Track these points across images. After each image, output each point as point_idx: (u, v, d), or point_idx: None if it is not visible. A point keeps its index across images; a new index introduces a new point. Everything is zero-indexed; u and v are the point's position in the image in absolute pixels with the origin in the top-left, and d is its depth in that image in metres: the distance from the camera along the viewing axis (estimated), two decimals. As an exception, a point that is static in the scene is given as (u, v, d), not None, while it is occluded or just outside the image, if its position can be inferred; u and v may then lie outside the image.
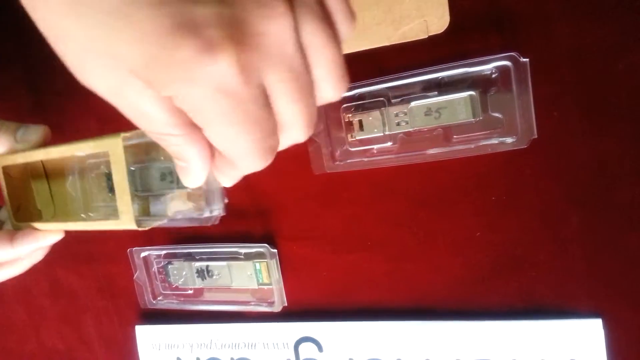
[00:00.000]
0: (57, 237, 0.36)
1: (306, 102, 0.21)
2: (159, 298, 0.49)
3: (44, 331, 0.61)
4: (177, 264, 0.47)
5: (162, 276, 0.48)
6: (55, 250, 0.54)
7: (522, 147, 0.34)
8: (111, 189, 0.35)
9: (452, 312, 0.40)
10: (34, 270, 0.58)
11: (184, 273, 0.47)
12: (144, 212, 0.34)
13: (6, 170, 0.36)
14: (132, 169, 0.34)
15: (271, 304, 0.44)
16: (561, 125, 0.35)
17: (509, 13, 0.35)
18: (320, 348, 0.44)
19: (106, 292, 0.55)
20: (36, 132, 0.34)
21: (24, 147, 0.34)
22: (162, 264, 0.48)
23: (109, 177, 0.35)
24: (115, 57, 0.19)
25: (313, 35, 0.21)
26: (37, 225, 0.36)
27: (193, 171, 0.23)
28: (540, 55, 0.34)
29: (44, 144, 0.35)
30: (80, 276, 0.56)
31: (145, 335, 0.51)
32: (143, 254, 0.48)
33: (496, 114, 0.35)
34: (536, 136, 0.34)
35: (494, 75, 0.35)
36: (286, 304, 0.44)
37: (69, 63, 0.20)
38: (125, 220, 0.30)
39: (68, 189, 0.38)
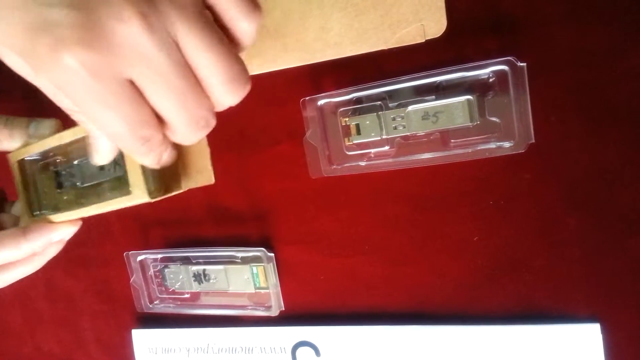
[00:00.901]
0: (72, 229, 0.36)
1: (182, 101, 0.23)
2: (155, 302, 0.48)
3: (40, 335, 0.60)
4: (173, 267, 0.47)
5: (159, 280, 0.48)
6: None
7: (520, 151, 0.34)
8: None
9: (450, 317, 0.40)
10: (31, 274, 0.58)
11: (181, 277, 0.46)
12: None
13: (20, 164, 0.37)
14: (75, 162, 0.36)
15: (268, 308, 0.44)
16: (559, 130, 0.35)
17: (507, 17, 0.35)
18: (317, 352, 0.44)
19: (103, 296, 0.55)
20: (49, 126, 0.35)
21: (36, 142, 0.35)
22: (159, 267, 0.47)
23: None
24: (2, 44, 0.23)
25: (188, 37, 0.22)
26: (51, 217, 0.36)
27: (97, 148, 0.27)
28: (538, 58, 0.34)
29: None
30: (77, 279, 0.56)
31: (142, 339, 0.51)
32: (139, 258, 0.48)
33: (493, 119, 0.35)
34: (533, 141, 0.33)
35: (491, 80, 0.35)
36: (283, 308, 0.43)
37: None
38: (138, 194, 0.31)
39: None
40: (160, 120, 0.25)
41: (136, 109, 0.23)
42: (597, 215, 0.35)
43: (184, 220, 0.48)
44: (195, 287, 0.46)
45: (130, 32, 0.21)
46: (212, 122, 0.26)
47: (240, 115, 0.43)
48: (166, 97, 0.23)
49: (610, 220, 0.35)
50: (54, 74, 0.22)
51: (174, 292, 0.48)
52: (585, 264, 0.36)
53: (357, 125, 0.38)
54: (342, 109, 0.38)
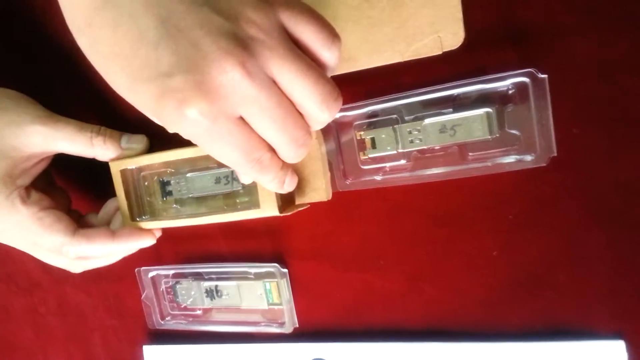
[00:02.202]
0: (151, 241, 0.43)
1: (282, 126, 0.28)
2: (167, 318, 0.48)
3: (51, 350, 0.60)
4: (185, 283, 0.46)
5: (170, 296, 0.47)
6: (63, 269, 0.53)
7: (541, 165, 0.33)
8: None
9: (468, 334, 0.39)
10: (42, 289, 0.58)
11: (193, 293, 0.46)
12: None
13: (122, 173, 0.42)
14: (188, 175, 0.42)
15: (282, 324, 0.43)
16: (581, 143, 0.34)
17: (525, 28, 0.34)
18: (332, 370, 0.43)
19: (114, 312, 0.54)
20: (141, 140, 0.42)
21: (129, 154, 0.41)
22: (170, 283, 0.47)
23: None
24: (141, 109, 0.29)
25: (281, 72, 0.27)
26: (153, 223, 0.42)
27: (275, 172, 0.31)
28: (557, 70, 0.33)
29: (146, 151, 0.42)
30: (88, 295, 0.55)
31: (153, 355, 0.51)
32: (151, 274, 0.47)
33: (513, 131, 0.34)
34: (555, 154, 0.33)
35: (510, 92, 0.34)
36: (297, 325, 0.43)
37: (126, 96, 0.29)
38: (267, 208, 0.37)
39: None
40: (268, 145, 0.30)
41: (247, 138, 0.28)
42: (621, 231, 0.34)
43: (195, 236, 0.47)
44: (207, 303, 0.46)
45: (234, 80, 0.26)
46: (309, 140, 0.30)
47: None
48: (269, 125, 0.28)
49: (636, 235, 0.34)
50: (181, 127, 0.27)
51: (185, 309, 0.47)
52: (610, 280, 0.35)
53: (373, 139, 0.37)
54: (357, 123, 0.37)
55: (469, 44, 0.35)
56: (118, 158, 0.42)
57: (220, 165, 0.41)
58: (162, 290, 0.47)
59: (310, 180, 0.40)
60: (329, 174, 0.39)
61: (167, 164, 0.43)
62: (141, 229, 0.43)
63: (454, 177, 0.36)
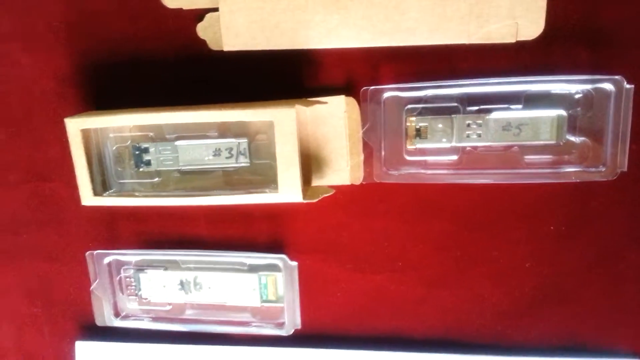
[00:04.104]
0: None
1: None
2: (122, 314, 0.39)
3: None
4: (152, 273, 0.38)
5: (131, 288, 0.38)
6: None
7: (609, 179, 0.31)
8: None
9: (486, 346, 0.37)
10: None
11: (162, 285, 0.38)
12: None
13: (84, 134, 0.33)
14: (177, 143, 0.34)
15: (280, 325, 0.37)
16: (638, 160, 0.32)
17: (607, 31, 0.31)
18: (325, 379, 0.38)
19: (36, 297, 0.43)
20: None
21: None
22: (132, 272, 0.38)
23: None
24: None
25: None
26: (140, 199, 0.34)
27: None
28: (633, 79, 0.31)
29: None
30: (2, 274, 0.43)
31: (88, 354, 0.41)
32: (107, 259, 0.38)
33: (577, 140, 0.32)
34: (626, 169, 0.31)
35: (580, 96, 0.31)
36: (299, 326, 0.37)
37: None
38: (289, 192, 0.31)
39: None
40: None
41: None
42: (657, 252, 0.34)
43: (169, 214, 0.39)
44: (181, 298, 0.38)
45: None
46: None
47: (270, 91, 0.35)
48: None
49: (673, 258, 0.34)
50: None
51: (149, 303, 0.39)
52: (636, 301, 0.35)
53: (425, 128, 0.32)
54: (409, 107, 0.32)
55: (544, 37, 0.31)
56: (82, 114, 0.33)
57: (223, 133, 0.34)
58: (120, 279, 0.38)
59: (333, 159, 0.34)
60: (361, 156, 0.34)
61: (146, 127, 0.34)
62: None
63: (509, 182, 0.33)
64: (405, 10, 0.32)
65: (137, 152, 0.35)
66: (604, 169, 0.31)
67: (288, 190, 0.31)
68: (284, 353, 0.38)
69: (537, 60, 0.32)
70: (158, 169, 0.35)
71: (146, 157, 0.35)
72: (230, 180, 0.35)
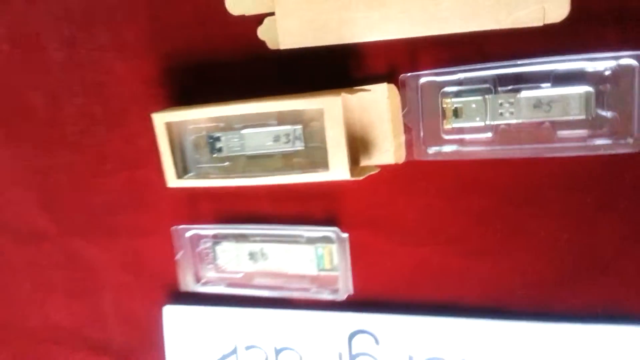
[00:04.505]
0: None
1: None
2: (202, 281, 0.45)
3: (49, 305, 0.56)
4: (226, 245, 0.44)
5: (209, 258, 0.44)
6: (77, 221, 0.49)
7: (635, 150, 0.33)
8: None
9: (526, 314, 0.39)
10: (45, 239, 0.54)
11: (235, 255, 0.43)
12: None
13: (168, 126, 0.39)
14: (243, 132, 0.40)
15: (335, 291, 0.41)
16: (673, 131, 0.34)
17: (633, 10, 0.33)
18: (377, 341, 0.42)
19: (130, 269, 0.51)
20: None
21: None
22: (210, 244, 0.44)
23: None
24: None
25: None
26: (215, 181, 0.40)
27: None
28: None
29: None
30: (101, 249, 0.51)
31: (175, 316, 0.48)
32: (189, 234, 0.44)
33: (609, 114, 0.33)
34: (654, 140, 0.32)
35: (609, 73, 0.33)
36: (352, 292, 0.41)
37: None
38: (338, 170, 0.35)
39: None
40: None
41: None
42: (698, 221, 0.35)
43: (237, 194, 0.44)
44: (250, 267, 0.43)
45: None
46: None
47: (322, 82, 0.40)
48: None
49: None
50: None
51: (224, 271, 0.45)
52: (678, 269, 0.36)
53: (460, 108, 0.35)
54: (444, 90, 0.36)
55: (570, 19, 0.33)
56: (168, 110, 0.39)
57: (282, 121, 0.39)
58: (200, 250, 0.45)
59: (379, 141, 0.38)
60: (402, 137, 0.38)
61: (217, 118, 0.40)
62: None
63: (542, 155, 0.35)
64: (439, 2, 0.35)
65: (210, 141, 0.40)
66: (632, 141, 0.33)
67: (337, 169, 0.35)
68: (339, 316, 0.43)
69: (564, 41, 0.34)
70: (228, 154, 0.40)
71: (218, 145, 0.40)
72: (288, 162, 0.40)
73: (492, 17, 0.35)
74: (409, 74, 0.36)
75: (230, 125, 0.40)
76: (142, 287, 0.50)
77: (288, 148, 0.39)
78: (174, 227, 0.45)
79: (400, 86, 0.37)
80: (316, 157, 0.38)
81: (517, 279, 0.39)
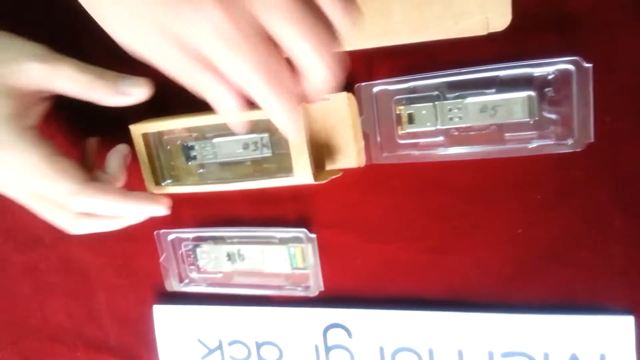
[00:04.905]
0: (164, 210, 0.42)
1: (314, 34, 0.24)
2: (185, 281, 0.48)
3: (49, 306, 0.59)
4: (205, 247, 0.46)
5: (190, 259, 0.47)
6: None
7: (577, 150, 0.35)
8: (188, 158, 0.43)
9: (487, 305, 0.41)
10: (43, 246, 0.57)
11: (214, 256, 0.46)
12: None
13: (144, 136, 0.42)
14: (215, 141, 0.42)
15: (307, 288, 0.44)
16: (613, 131, 0.35)
17: (571, 16, 0.35)
18: (350, 334, 0.45)
19: (122, 272, 0.54)
20: (139, 84, 0.37)
21: (125, 100, 0.37)
22: (190, 246, 0.47)
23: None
24: (140, 14, 0.25)
25: None
26: (180, 188, 0.43)
27: (226, 106, 0.28)
28: (597, 59, 0.34)
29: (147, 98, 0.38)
30: (95, 254, 0.55)
31: (164, 315, 0.51)
32: (171, 237, 0.47)
33: (552, 116, 0.35)
34: (592, 140, 0.34)
35: (551, 77, 0.35)
36: (323, 289, 0.44)
37: (103, 24, 0.27)
38: (302, 175, 0.37)
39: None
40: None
41: (268, 50, 0.24)
42: (641, 215, 0.36)
43: (215, 199, 0.47)
44: (229, 267, 0.46)
45: None
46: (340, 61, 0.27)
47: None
48: (300, 34, 0.24)
49: (655, 219, 0.36)
50: (196, 29, 0.24)
51: (205, 272, 0.47)
52: (626, 261, 0.37)
53: (412, 114, 0.38)
54: (397, 97, 0.38)
55: (513, 27, 0.35)
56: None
57: (252, 129, 0.41)
58: (182, 253, 0.47)
59: (341, 147, 0.40)
60: (362, 143, 0.40)
61: (191, 128, 0.42)
62: (156, 195, 0.42)
63: (490, 157, 0.37)
64: (390, 15, 0.37)
65: (185, 150, 0.43)
66: (572, 142, 0.35)
67: (301, 174, 0.38)
68: (314, 312, 0.45)
69: (508, 48, 0.36)
70: (202, 162, 0.43)
71: (192, 153, 0.43)
72: (258, 168, 0.42)
73: (440, 28, 0.37)
74: (363, 84, 0.38)
75: (204, 134, 0.43)
76: (133, 288, 0.53)
77: (257, 155, 0.41)
78: (156, 231, 0.48)
79: (356, 95, 0.39)
80: (284, 163, 0.41)
81: (476, 272, 0.41)
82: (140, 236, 0.51)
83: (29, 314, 0.60)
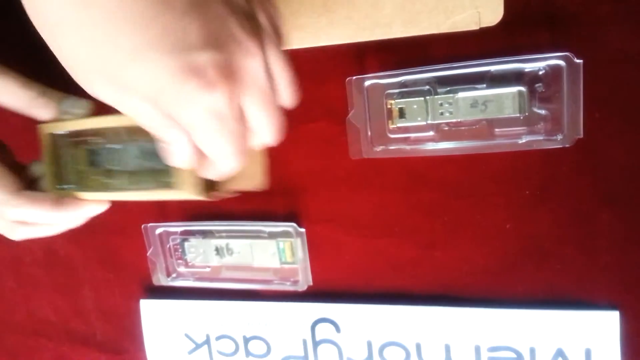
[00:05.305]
0: (101, 208, 0.39)
1: (274, 113, 0.28)
2: (173, 275, 0.48)
3: (34, 301, 0.59)
4: (194, 241, 0.46)
5: (178, 253, 0.47)
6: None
7: (567, 145, 0.35)
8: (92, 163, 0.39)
9: (474, 300, 0.41)
10: (27, 239, 0.56)
11: (202, 250, 0.46)
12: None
13: (52, 137, 0.38)
14: (118, 147, 0.37)
15: (295, 282, 0.44)
16: (601, 127, 0.36)
17: (562, 12, 0.35)
18: (338, 329, 0.45)
19: (108, 265, 0.53)
20: (83, 106, 0.36)
21: (68, 118, 0.36)
22: (178, 240, 0.46)
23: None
24: (127, 85, 0.24)
25: (276, 65, 0.27)
26: (83, 194, 0.38)
27: (184, 163, 0.28)
28: (587, 55, 0.35)
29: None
30: (80, 247, 0.54)
31: (151, 309, 0.51)
32: (158, 231, 0.47)
33: (541, 111, 0.35)
34: (582, 136, 0.34)
35: (542, 73, 0.35)
36: (311, 284, 0.44)
37: (75, 75, 0.25)
38: (188, 191, 0.33)
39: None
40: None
41: (243, 129, 0.27)
42: (627, 212, 0.37)
43: (204, 193, 0.47)
44: (217, 261, 0.46)
45: (254, 65, 0.25)
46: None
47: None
48: (266, 115, 0.28)
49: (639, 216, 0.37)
50: (192, 109, 0.24)
51: (193, 266, 0.47)
52: (611, 256, 0.38)
53: (403, 109, 0.38)
54: (388, 92, 0.38)
55: (504, 22, 0.35)
56: (53, 120, 0.37)
57: (151, 139, 0.32)
58: (169, 247, 0.47)
59: (246, 168, 0.34)
60: (266, 164, 0.38)
61: (98, 132, 0.38)
62: (88, 200, 0.38)
63: (480, 152, 0.37)
64: (381, 9, 0.37)
65: (90, 155, 0.38)
66: (561, 137, 0.35)
67: (186, 188, 0.33)
68: (302, 306, 0.45)
69: (500, 44, 0.36)
70: (108, 168, 0.38)
71: (97, 159, 0.38)
72: (158, 179, 0.36)
73: (432, 22, 0.37)
74: (354, 77, 0.38)
75: (110, 139, 0.38)
76: (120, 282, 0.53)
77: (157, 165, 0.36)
78: (144, 225, 0.47)
79: (347, 88, 0.38)
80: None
81: (464, 267, 0.41)
82: (128, 230, 0.50)
83: (13, 309, 0.60)
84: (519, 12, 0.35)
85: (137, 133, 0.36)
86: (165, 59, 0.23)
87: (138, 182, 0.37)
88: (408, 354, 0.43)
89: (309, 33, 0.39)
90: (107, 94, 0.25)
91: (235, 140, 0.27)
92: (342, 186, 0.43)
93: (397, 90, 0.38)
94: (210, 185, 0.34)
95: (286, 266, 0.44)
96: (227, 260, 0.45)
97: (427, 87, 0.37)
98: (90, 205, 0.38)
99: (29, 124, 0.39)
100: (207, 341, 0.49)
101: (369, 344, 0.44)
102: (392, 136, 0.39)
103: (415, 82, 0.37)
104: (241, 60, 0.25)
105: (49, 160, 0.38)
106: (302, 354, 0.46)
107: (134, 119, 0.26)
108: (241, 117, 0.26)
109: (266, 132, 0.29)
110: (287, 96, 0.30)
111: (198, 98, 0.24)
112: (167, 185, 0.34)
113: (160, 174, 0.36)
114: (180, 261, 0.47)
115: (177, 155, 0.28)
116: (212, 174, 0.30)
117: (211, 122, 0.25)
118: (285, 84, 0.29)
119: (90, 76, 0.25)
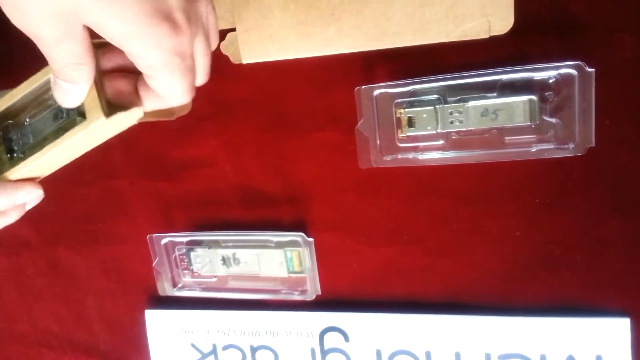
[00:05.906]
0: (37, 192, 0.36)
1: (210, 53, 0.32)
2: (179, 285, 0.47)
3: (37, 311, 0.58)
4: (200, 251, 0.46)
5: (184, 264, 0.46)
6: (58, 230, 0.51)
7: (579, 154, 0.35)
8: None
9: (484, 308, 0.41)
10: (29, 249, 0.55)
11: (208, 260, 0.45)
12: None
13: None
14: (27, 122, 0.35)
15: (304, 292, 0.44)
16: (612, 134, 0.36)
17: (573, 21, 0.35)
18: (347, 338, 0.45)
19: (112, 276, 0.53)
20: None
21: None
22: (184, 250, 0.46)
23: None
24: (97, 28, 0.25)
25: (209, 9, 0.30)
26: (7, 175, 0.34)
27: (76, 94, 0.29)
28: (598, 63, 0.35)
29: None
30: (83, 257, 0.53)
31: (156, 320, 0.50)
32: (164, 241, 0.46)
33: (553, 120, 0.35)
34: (593, 144, 0.34)
35: (552, 81, 0.35)
36: (320, 293, 0.43)
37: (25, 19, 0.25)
38: (93, 116, 0.31)
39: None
40: None
41: (193, 67, 0.29)
42: (638, 219, 0.37)
43: (210, 202, 0.46)
44: (224, 271, 0.45)
45: (203, 7, 0.29)
46: None
47: (283, 97, 0.42)
48: (207, 52, 0.31)
49: (652, 223, 0.37)
50: (158, 49, 0.26)
51: (199, 276, 0.47)
52: (622, 264, 0.38)
53: (412, 118, 0.37)
54: (397, 101, 0.38)
55: (515, 31, 0.35)
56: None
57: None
58: (175, 257, 0.47)
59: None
60: None
61: (7, 115, 0.35)
62: (17, 182, 0.35)
63: (491, 161, 0.37)
64: (391, 17, 0.37)
65: (6, 143, 0.36)
66: (573, 146, 0.35)
67: (92, 113, 0.31)
68: (310, 315, 0.45)
69: (510, 52, 0.36)
70: (23, 149, 0.35)
71: (13, 145, 0.36)
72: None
73: (441, 31, 0.36)
74: (363, 87, 0.38)
75: (20, 120, 0.36)
76: (124, 292, 0.52)
77: (66, 121, 0.34)
78: (149, 235, 0.47)
79: (356, 97, 0.38)
80: None
81: (474, 275, 0.41)
82: (132, 240, 0.50)
83: (15, 319, 0.59)
84: (529, 20, 0.35)
85: (43, 95, 0.34)
86: (137, 3, 0.24)
87: (52, 141, 0.34)
88: (418, 363, 0.43)
89: (317, 42, 0.39)
90: (45, 29, 0.25)
91: (192, 78, 0.29)
92: (350, 195, 0.43)
93: (406, 100, 0.37)
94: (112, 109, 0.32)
95: (294, 275, 0.44)
96: (234, 270, 0.45)
97: (437, 96, 0.37)
98: (23, 187, 0.35)
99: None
100: (214, 351, 0.49)
101: (378, 353, 0.44)
102: (402, 145, 0.38)
103: (424, 91, 0.37)
104: (196, 4, 0.28)
105: None
106: (310, 363, 0.46)
107: (52, 54, 0.27)
108: (192, 57, 0.29)
109: (205, 71, 0.32)
110: (214, 39, 0.32)
111: (166, 40, 0.26)
112: (74, 124, 0.33)
113: (74, 121, 0.33)
114: (186, 271, 0.47)
115: (78, 94, 0.29)
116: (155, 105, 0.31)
117: (174, 63, 0.27)
118: (213, 27, 0.32)
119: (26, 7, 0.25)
